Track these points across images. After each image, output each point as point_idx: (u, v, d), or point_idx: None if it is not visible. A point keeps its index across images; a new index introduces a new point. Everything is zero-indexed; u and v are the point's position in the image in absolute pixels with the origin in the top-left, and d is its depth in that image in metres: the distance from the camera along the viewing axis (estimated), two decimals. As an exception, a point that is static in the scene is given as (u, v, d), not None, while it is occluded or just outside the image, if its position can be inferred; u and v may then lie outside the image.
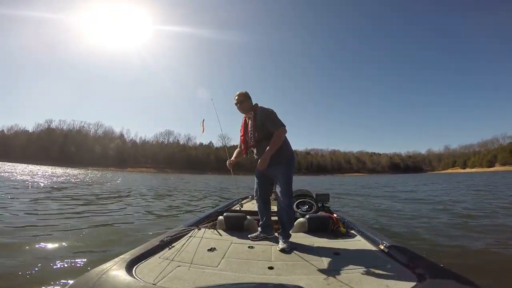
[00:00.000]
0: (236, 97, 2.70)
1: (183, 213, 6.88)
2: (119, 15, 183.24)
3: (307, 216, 2.93)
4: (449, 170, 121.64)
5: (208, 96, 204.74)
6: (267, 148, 2.47)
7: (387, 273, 1.72)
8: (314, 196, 3.83)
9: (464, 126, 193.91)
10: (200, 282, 1.60)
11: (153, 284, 1.52)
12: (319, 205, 3.67)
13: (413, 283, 1.53)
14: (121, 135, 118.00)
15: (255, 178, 2.75)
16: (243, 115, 2.77)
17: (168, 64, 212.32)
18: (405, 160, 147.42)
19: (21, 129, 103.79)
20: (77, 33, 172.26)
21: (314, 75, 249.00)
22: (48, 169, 41.86)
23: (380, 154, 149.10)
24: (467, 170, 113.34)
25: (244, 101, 2.70)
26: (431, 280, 1.51)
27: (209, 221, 3.17)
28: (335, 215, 3.11)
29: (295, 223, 2.98)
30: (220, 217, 2.96)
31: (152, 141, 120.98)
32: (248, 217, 2.88)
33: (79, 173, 34.89)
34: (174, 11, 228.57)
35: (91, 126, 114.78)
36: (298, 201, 3.70)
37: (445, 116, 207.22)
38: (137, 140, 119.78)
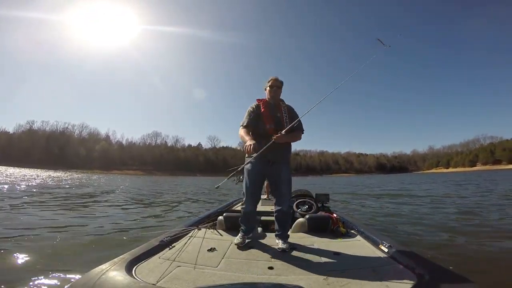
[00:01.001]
0: (277, 80, 2.64)
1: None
2: (105, 14, 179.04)
3: (307, 216, 2.92)
4: (433, 170, 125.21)
5: (201, 97, 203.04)
6: (289, 135, 2.44)
7: (387, 273, 1.72)
8: (314, 196, 3.81)
9: (447, 127, 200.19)
10: (200, 282, 1.60)
11: (153, 284, 1.51)
12: (319, 205, 3.65)
13: (413, 283, 1.53)
14: (107, 137, 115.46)
15: (252, 175, 2.47)
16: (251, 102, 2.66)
17: (158, 64, 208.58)
18: (391, 160, 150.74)
19: (1, 130, 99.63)
20: (63, 32, 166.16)
21: (302, 75, 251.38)
22: (28, 172, 40.24)
23: (367, 155, 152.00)
24: (450, 169, 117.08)
25: (281, 87, 2.67)
26: (431, 280, 1.51)
27: (209, 221, 3.16)
28: (335, 215, 3.10)
29: (295, 223, 3.00)
30: (220, 217, 2.96)
31: (139, 143, 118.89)
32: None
33: (61, 176, 33.79)
34: (162, 10, 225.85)
35: (75, 128, 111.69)
36: (298, 201, 3.68)
37: (429, 117, 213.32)
38: (124, 142, 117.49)
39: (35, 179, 22.59)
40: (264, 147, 2.30)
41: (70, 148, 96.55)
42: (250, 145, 2.27)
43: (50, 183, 18.91)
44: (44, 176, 28.96)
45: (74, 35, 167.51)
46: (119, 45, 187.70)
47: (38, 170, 56.15)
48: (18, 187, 13.36)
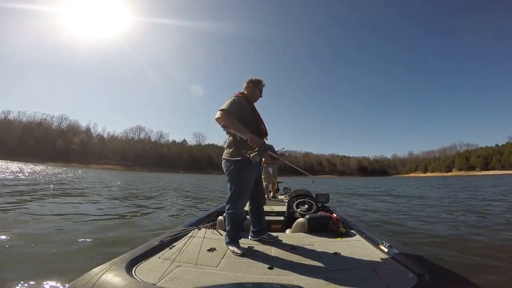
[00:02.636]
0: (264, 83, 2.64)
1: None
2: (96, 3, 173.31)
3: (307, 216, 2.90)
4: (412, 174, 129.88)
5: (199, 93, 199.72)
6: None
7: (387, 273, 1.72)
8: (314, 196, 3.77)
9: (427, 133, 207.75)
10: (200, 282, 1.59)
11: (153, 284, 1.50)
12: (319, 205, 3.62)
13: (413, 283, 1.52)
14: (87, 130, 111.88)
15: (250, 176, 2.38)
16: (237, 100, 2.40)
17: (147, 57, 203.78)
18: (372, 163, 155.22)
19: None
20: (52, 24, 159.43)
21: (291, 77, 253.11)
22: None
23: (350, 157, 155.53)
24: (428, 174, 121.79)
25: None
26: (431, 280, 1.50)
27: (209, 221, 3.14)
28: (334, 215, 3.08)
29: (295, 223, 3.01)
30: (220, 217, 2.94)
31: (121, 137, 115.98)
32: (248, 217, 2.73)
33: (25, 169, 32.19)
34: (152, 1, 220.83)
35: (54, 119, 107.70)
36: (297, 201, 3.66)
37: (410, 123, 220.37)
38: (105, 136, 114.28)
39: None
40: (276, 152, 2.44)
41: (47, 140, 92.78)
42: (256, 139, 2.18)
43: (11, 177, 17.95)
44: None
45: (62, 26, 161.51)
46: (107, 36, 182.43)
47: (9, 162, 53.35)
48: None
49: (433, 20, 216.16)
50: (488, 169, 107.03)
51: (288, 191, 7.10)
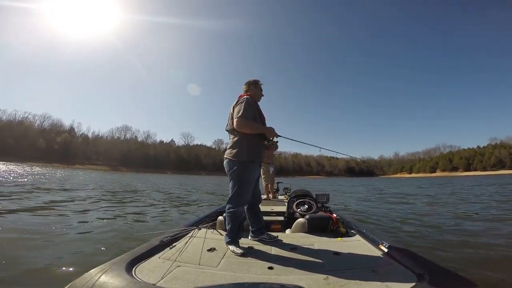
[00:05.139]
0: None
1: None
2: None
3: (307, 216, 2.90)
4: (398, 175, 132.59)
5: (196, 93, 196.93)
6: None
7: (387, 273, 1.72)
8: (314, 196, 3.76)
9: (412, 135, 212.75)
10: (200, 282, 1.59)
11: (153, 284, 1.51)
12: (319, 205, 3.63)
13: (413, 283, 1.52)
14: (71, 129, 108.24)
15: (253, 176, 2.45)
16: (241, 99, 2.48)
17: (137, 55, 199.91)
18: (360, 164, 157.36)
19: None
20: (37, 19, 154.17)
21: (283, 74, 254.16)
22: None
23: (338, 159, 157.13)
24: (413, 175, 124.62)
25: None
26: (431, 280, 1.50)
27: (209, 221, 3.15)
28: (334, 215, 3.09)
29: (295, 223, 3.00)
30: (220, 217, 2.96)
31: (107, 137, 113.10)
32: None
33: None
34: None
35: (36, 118, 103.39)
36: (297, 201, 3.66)
37: (395, 125, 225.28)
38: (89, 135, 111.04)
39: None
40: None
41: (28, 139, 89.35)
42: (273, 130, 2.46)
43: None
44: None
45: (45, 23, 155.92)
46: (95, 34, 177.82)
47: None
48: None
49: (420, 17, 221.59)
50: (470, 170, 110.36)
51: (288, 191, 7.12)
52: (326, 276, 1.66)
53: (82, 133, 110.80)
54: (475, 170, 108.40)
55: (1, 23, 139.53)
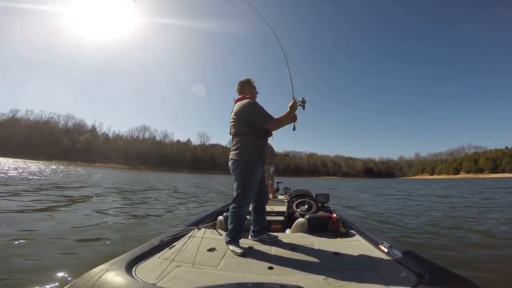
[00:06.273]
0: None
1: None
2: (100, 3, 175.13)
3: (307, 216, 2.90)
4: (419, 176, 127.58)
5: (201, 93, 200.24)
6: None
7: (387, 273, 1.73)
8: (314, 196, 3.75)
9: (434, 135, 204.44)
10: (200, 282, 1.59)
11: (153, 284, 1.51)
12: (319, 205, 3.61)
13: (413, 283, 1.52)
14: (93, 129, 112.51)
15: (257, 176, 2.47)
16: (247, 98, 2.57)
17: (154, 57, 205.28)
18: (378, 165, 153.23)
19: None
20: (57, 23, 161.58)
21: (301, 75, 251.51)
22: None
23: (355, 159, 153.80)
24: (435, 176, 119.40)
25: None
26: (431, 280, 1.50)
27: (209, 221, 3.15)
28: (334, 215, 3.07)
29: (295, 223, 3.00)
30: (220, 217, 2.96)
31: (126, 136, 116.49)
32: (248, 217, 2.68)
33: (30, 167, 32.07)
34: (161, 2, 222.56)
35: (61, 118, 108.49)
36: (297, 201, 3.66)
37: (417, 125, 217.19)
38: (110, 134, 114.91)
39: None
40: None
41: (53, 138, 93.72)
42: (293, 110, 2.46)
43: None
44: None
45: (67, 26, 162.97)
46: (113, 36, 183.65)
47: (10, 159, 53.91)
48: None
49: (440, 16, 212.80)
50: (497, 172, 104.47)
51: (288, 191, 7.07)
52: (326, 276, 1.66)
53: (103, 133, 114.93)
54: (503, 172, 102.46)
55: (24, 26, 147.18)
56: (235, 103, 2.54)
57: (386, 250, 2.12)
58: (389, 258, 1.98)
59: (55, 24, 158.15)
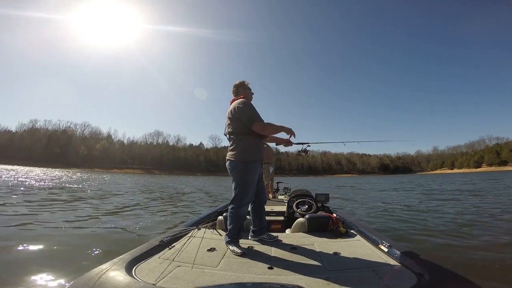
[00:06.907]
0: None
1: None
2: (110, 14, 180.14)
3: (306, 216, 2.88)
4: (438, 171, 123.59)
5: (203, 97, 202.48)
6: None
7: (387, 273, 1.72)
8: (314, 196, 3.74)
9: (452, 128, 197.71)
10: (200, 282, 1.60)
11: (153, 284, 1.51)
12: (319, 205, 3.62)
13: (413, 283, 1.52)
14: (108, 136, 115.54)
15: (256, 176, 2.48)
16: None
17: (162, 63, 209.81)
18: (394, 161, 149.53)
19: (4, 129, 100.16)
20: (68, 32, 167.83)
21: (307, 73, 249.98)
22: (22, 169, 39.76)
23: (370, 155, 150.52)
24: (455, 170, 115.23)
25: None
26: (431, 280, 1.50)
27: (208, 221, 3.15)
28: (334, 215, 3.06)
29: (295, 223, 2.99)
30: (220, 217, 2.96)
31: (140, 142, 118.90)
32: (248, 217, 2.67)
33: (48, 174, 33.02)
34: (168, 10, 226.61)
35: (77, 127, 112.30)
36: (297, 201, 3.64)
37: (434, 118, 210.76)
38: (125, 141, 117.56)
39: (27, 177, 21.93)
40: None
41: (71, 146, 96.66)
42: (290, 129, 2.60)
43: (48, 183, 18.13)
44: (43, 175, 28.26)
45: (78, 35, 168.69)
46: (122, 44, 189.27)
47: (36, 168, 55.93)
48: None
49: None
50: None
51: (288, 191, 7.07)
52: (326, 276, 1.66)
53: (118, 139, 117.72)
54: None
55: (34, 36, 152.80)
56: (231, 104, 2.59)
57: (386, 250, 2.11)
58: (389, 258, 1.97)
59: (62, 34, 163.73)
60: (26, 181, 16.17)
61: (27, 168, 48.05)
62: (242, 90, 2.67)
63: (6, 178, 17.80)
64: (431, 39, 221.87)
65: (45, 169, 54.64)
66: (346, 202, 9.89)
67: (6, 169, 38.58)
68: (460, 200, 9.30)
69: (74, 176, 29.03)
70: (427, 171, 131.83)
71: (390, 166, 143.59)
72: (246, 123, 2.40)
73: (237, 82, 2.71)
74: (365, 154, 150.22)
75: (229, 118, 2.48)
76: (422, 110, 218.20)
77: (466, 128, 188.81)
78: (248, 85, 2.74)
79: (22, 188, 11.45)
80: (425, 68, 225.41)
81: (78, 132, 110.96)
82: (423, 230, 4.78)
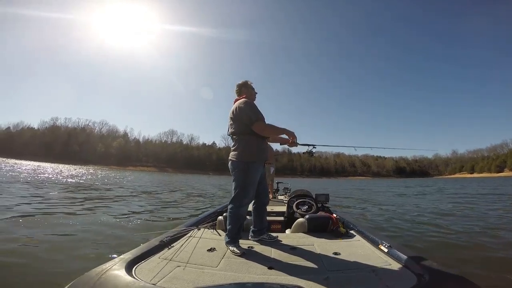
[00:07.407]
0: None
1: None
2: (125, 14, 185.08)
3: (306, 216, 2.89)
4: (457, 175, 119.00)
5: (209, 96, 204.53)
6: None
7: (387, 273, 1.72)
8: (314, 196, 3.75)
9: (472, 131, 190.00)
10: (199, 282, 1.60)
11: (153, 284, 1.51)
12: (319, 205, 3.62)
13: (413, 283, 1.53)
14: (125, 134, 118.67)
15: (257, 176, 2.47)
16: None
17: (175, 64, 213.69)
18: (411, 164, 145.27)
19: (27, 126, 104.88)
20: (84, 32, 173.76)
21: (320, 74, 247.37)
22: (45, 165, 41.44)
23: (385, 158, 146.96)
24: (475, 175, 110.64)
25: None
26: (431, 280, 1.51)
27: (208, 221, 3.16)
28: (334, 215, 3.06)
29: (295, 223, 2.99)
30: (220, 217, 2.97)
31: (155, 141, 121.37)
32: (248, 217, 2.68)
33: (70, 170, 34.17)
34: (182, 10, 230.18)
35: (95, 125, 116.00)
36: (297, 201, 3.64)
37: (453, 121, 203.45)
38: (140, 139, 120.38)
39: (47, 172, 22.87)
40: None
41: (89, 144, 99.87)
42: (293, 132, 2.60)
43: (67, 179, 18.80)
44: (62, 171, 29.33)
45: (96, 35, 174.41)
46: (139, 45, 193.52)
47: (54, 164, 58.10)
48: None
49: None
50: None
51: (288, 191, 7.10)
52: (326, 276, 1.66)
53: (134, 138, 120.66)
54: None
55: (58, 36, 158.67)
56: (234, 104, 2.59)
57: (386, 250, 2.11)
58: (389, 258, 1.98)
59: (80, 35, 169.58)
60: (69, 180, 16.81)
61: (52, 165, 49.94)
62: (245, 89, 2.68)
63: (51, 176, 18.54)
64: (449, 41, 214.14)
65: (67, 165, 56.60)
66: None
67: (40, 165, 40.70)
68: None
69: (100, 174, 30.08)
70: (445, 175, 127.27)
71: (406, 169, 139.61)
72: (246, 123, 2.40)
73: (240, 82, 2.72)
74: (380, 157, 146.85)
75: (231, 118, 2.48)
76: (441, 112, 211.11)
77: (488, 132, 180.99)
78: (251, 84, 2.73)
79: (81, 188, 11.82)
80: (441, 69, 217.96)
81: (96, 130, 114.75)
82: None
